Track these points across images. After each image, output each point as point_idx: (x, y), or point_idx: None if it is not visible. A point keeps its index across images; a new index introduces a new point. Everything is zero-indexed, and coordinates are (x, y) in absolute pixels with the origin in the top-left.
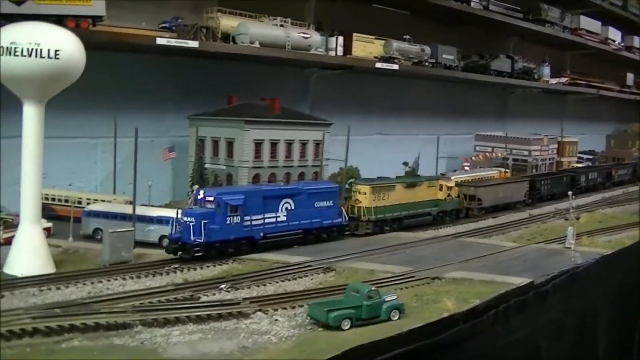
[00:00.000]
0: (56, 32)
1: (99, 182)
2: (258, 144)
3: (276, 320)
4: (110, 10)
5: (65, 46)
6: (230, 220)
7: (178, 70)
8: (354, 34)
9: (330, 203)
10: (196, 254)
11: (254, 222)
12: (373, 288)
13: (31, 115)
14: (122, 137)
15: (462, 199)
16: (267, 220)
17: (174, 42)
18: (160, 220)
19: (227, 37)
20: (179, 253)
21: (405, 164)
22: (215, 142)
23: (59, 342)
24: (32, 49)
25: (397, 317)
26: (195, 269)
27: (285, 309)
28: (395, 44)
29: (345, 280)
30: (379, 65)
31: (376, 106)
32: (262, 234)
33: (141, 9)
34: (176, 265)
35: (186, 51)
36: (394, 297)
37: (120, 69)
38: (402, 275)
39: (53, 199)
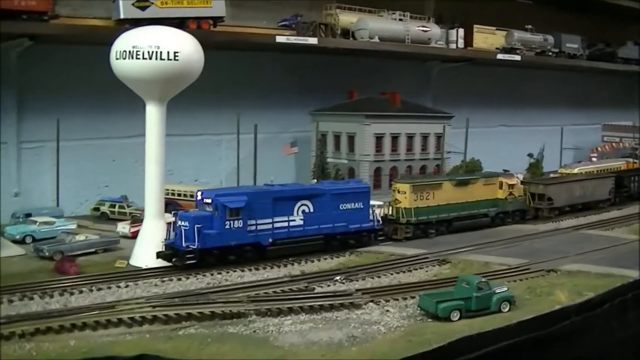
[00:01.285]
0: (175, 34)
1: (223, 177)
2: (379, 138)
3: (387, 311)
4: (231, 11)
5: (184, 48)
6: (230, 225)
7: (299, 67)
8: (475, 26)
9: (360, 205)
10: (188, 262)
11: (260, 227)
12: (484, 280)
13: (153, 115)
14: (245, 134)
15: (527, 198)
16: (277, 225)
17: (293, 39)
18: None
19: (346, 33)
20: (173, 260)
21: (530, 155)
22: (337, 137)
23: (176, 330)
24: (152, 52)
25: (507, 309)
26: (312, 261)
27: (397, 300)
28: (517, 34)
29: (460, 272)
30: (500, 56)
31: (499, 98)
32: (270, 240)
33: (261, 8)
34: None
35: (306, 48)
36: (505, 288)
37: (243, 67)
38: (517, 267)
39: (179, 195)
